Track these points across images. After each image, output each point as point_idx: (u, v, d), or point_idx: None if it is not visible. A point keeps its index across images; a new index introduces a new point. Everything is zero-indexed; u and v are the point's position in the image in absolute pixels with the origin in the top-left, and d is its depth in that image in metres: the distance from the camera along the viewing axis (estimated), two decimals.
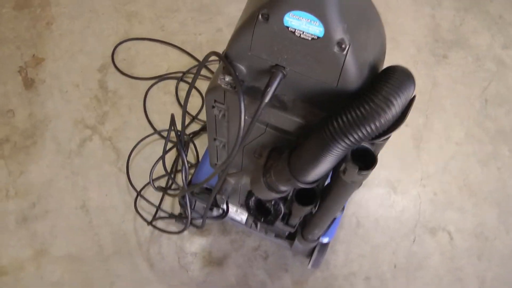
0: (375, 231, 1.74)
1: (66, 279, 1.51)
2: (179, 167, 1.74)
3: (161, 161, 1.51)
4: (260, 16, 0.68)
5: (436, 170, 1.92)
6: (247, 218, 1.52)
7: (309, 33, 0.67)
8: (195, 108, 1.88)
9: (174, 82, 1.95)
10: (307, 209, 1.07)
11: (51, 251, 1.55)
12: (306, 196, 1.04)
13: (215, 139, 1.08)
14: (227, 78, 0.78)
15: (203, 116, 1.87)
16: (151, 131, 1.81)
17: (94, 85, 1.90)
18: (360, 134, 0.68)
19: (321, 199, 1.04)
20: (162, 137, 1.80)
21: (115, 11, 2.11)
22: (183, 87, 1.94)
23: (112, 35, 2.04)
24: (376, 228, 1.75)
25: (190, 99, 1.92)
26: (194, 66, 1.99)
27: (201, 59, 2.01)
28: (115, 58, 1.97)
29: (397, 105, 0.68)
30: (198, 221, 1.47)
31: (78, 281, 1.52)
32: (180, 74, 1.96)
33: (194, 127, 1.85)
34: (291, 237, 1.56)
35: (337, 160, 0.76)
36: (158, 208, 1.64)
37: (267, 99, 0.74)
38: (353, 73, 0.70)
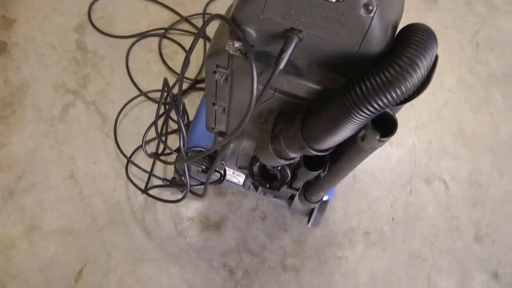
0: (372, 184, 1.72)
1: (61, 253, 1.46)
2: (169, 129, 1.67)
3: (152, 127, 1.44)
4: None
5: (429, 118, 1.89)
6: (244, 180, 1.48)
7: None
8: (179, 66, 1.79)
9: (156, 39, 1.85)
10: (315, 174, 1.03)
11: (42, 226, 1.49)
12: (314, 160, 0.99)
13: (214, 104, 1.02)
14: (236, 44, 0.70)
15: (189, 74, 1.79)
16: (136, 92, 1.72)
17: (71, 46, 1.78)
18: (385, 100, 0.63)
19: (331, 163, 0.99)
20: (149, 98, 1.72)
21: None
22: (167, 44, 1.85)
23: None
24: (373, 182, 1.73)
25: (175, 56, 1.83)
26: (177, 21, 1.89)
27: (183, 13, 1.91)
28: (92, 16, 1.85)
29: (423, 66, 0.63)
30: (195, 187, 1.42)
31: (73, 255, 1.47)
32: (163, 31, 1.85)
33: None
34: (290, 197, 1.54)
35: (357, 128, 0.72)
36: (151, 174, 1.58)
37: (281, 65, 0.67)
38: (377, 36, 0.64)
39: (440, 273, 1.62)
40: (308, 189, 1.22)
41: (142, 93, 1.71)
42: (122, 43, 1.81)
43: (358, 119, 0.67)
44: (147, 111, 1.70)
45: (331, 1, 0.61)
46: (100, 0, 1.89)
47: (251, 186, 1.47)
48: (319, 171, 1.01)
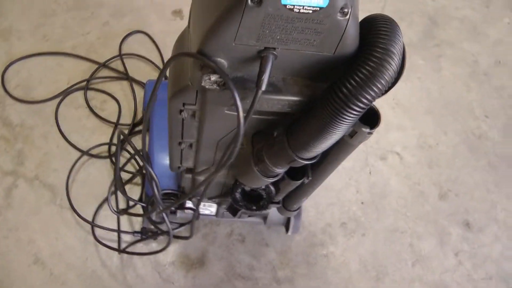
0: (334, 176, 1.74)
1: None
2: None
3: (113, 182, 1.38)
4: (249, 1, 0.59)
5: None
6: (217, 209, 1.45)
7: (311, 6, 0.59)
8: (112, 114, 1.74)
9: (81, 93, 1.77)
10: (299, 182, 1.03)
11: None
12: (295, 168, 0.99)
13: (180, 143, 0.99)
14: (213, 77, 0.68)
15: (124, 119, 1.73)
16: (77, 154, 1.64)
17: None
18: (372, 93, 0.65)
19: (314, 166, 1.00)
20: (92, 156, 1.65)
21: None
22: (92, 95, 1.78)
23: None
24: (333, 174, 1.75)
25: (104, 105, 1.76)
26: (96, 69, 1.82)
27: (99, 59, 1.84)
28: (7, 87, 1.74)
29: (397, 53, 0.65)
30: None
31: None
32: (85, 83, 1.78)
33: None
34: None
35: (349, 128, 0.73)
36: (120, 232, 1.52)
37: (263, 87, 0.66)
38: (352, 36, 0.65)
39: (420, 239, 1.68)
40: (288, 199, 1.22)
41: (83, 152, 1.63)
42: (47, 106, 1.73)
43: (349, 118, 0.68)
44: (94, 170, 1.63)
45: (308, 13, 0.60)
46: (10, 67, 1.78)
47: (225, 213, 1.45)
48: (303, 179, 1.01)
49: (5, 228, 1.50)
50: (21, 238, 1.50)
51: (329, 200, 1.70)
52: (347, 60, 0.68)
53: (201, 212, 1.46)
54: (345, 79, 0.66)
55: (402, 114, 1.93)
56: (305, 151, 0.79)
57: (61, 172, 1.61)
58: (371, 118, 0.78)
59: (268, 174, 0.91)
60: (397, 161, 1.83)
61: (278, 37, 0.64)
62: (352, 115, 0.68)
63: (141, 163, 1.61)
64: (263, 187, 1.08)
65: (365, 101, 0.65)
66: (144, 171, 1.56)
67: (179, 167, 1.14)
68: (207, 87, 0.69)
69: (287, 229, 1.55)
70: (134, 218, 1.57)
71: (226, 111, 0.82)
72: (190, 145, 1.01)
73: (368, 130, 0.77)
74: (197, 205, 1.03)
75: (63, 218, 1.54)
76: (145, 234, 1.49)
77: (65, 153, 1.65)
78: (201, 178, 1.16)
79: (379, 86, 0.64)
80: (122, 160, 1.63)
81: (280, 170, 0.90)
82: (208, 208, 1.45)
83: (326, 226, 1.65)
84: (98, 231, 1.52)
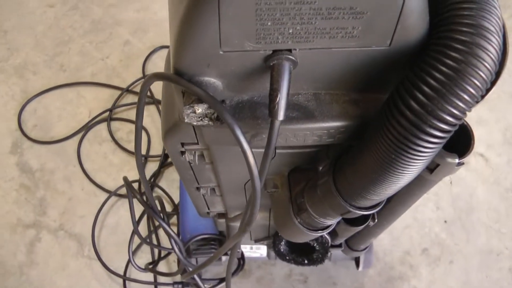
0: None
1: None
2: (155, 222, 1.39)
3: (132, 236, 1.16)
4: None
5: None
6: (268, 252, 1.20)
7: None
8: (141, 146, 1.52)
9: (104, 125, 1.56)
10: (360, 228, 0.75)
11: None
12: None
13: (198, 188, 0.75)
14: (199, 109, 0.43)
15: (155, 150, 1.51)
16: (105, 195, 1.43)
17: (14, 172, 1.49)
18: (462, 103, 0.39)
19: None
20: (122, 196, 1.44)
21: None
22: (117, 126, 1.57)
23: (9, 101, 1.62)
24: None
25: (131, 136, 1.55)
26: (119, 97, 1.61)
27: (122, 85, 1.63)
28: (24, 128, 1.56)
29: (495, 30, 0.38)
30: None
31: None
32: (107, 113, 1.58)
33: (151, 167, 1.49)
34: None
35: (427, 163, 0.45)
36: (157, 284, 1.29)
37: (280, 115, 0.41)
38: (417, 12, 0.39)
39: None
40: (352, 239, 0.96)
41: (111, 193, 1.42)
42: (68, 145, 1.53)
43: (426, 150, 0.41)
44: (124, 212, 1.42)
45: None
46: (26, 107, 1.60)
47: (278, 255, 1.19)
48: (366, 223, 0.74)
49: None
50: None
51: (404, 221, 1.40)
52: (412, 53, 0.42)
53: (249, 256, 1.21)
54: (413, 86, 0.39)
55: (481, 105, 1.60)
56: (361, 198, 0.52)
57: (87, 218, 1.40)
58: (458, 139, 0.50)
59: (315, 227, 0.65)
60: (482, 164, 1.50)
61: (290, 31, 0.38)
62: (430, 146, 0.41)
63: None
64: None
65: (450, 118, 0.39)
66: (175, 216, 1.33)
67: (208, 213, 0.90)
68: (194, 123, 0.44)
69: (357, 264, 1.27)
70: (174, 263, 1.34)
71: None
72: (213, 189, 0.77)
73: (456, 160, 0.51)
74: (228, 268, 0.77)
75: (93, 271, 1.33)
76: (186, 286, 1.25)
77: (92, 196, 1.44)
78: (236, 224, 0.91)
79: (471, 90, 0.38)
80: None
81: (331, 222, 0.63)
82: (257, 251, 1.21)
83: (404, 254, 1.35)
84: (133, 285, 1.30)
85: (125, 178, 0.85)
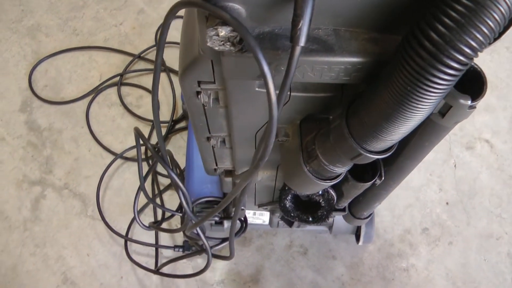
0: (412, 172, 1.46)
1: None
2: (160, 186, 1.40)
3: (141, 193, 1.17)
4: None
5: None
6: (270, 218, 1.21)
7: None
8: (150, 111, 1.53)
9: (114, 90, 1.58)
10: (368, 185, 0.76)
11: None
12: (362, 166, 0.72)
13: (208, 138, 0.75)
14: (222, 31, 0.43)
15: (163, 116, 1.52)
16: (111, 157, 1.45)
17: (22, 130, 1.50)
18: (480, 36, 0.39)
19: (387, 162, 0.73)
20: (127, 159, 1.45)
21: (12, 32, 1.70)
22: (127, 91, 1.58)
23: (21, 61, 1.64)
24: None
25: (141, 101, 1.56)
26: (131, 63, 1.62)
27: (134, 51, 1.64)
28: (34, 87, 1.57)
29: None
30: (216, 248, 1.15)
31: None
32: (118, 78, 1.58)
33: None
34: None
35: (439, 100, 0.46)
36: (158, 246, 1.31)
37: (302, 41, 0.42)
38: None
39: None
40: (356, 204, 0.96)
41: (117, 155, 1.43)
42: (77, 106, 1.54)
43: (440, 85, 0.42)
44: (130, 175, 1.43)
45: None
46: (37, 67, 1.61)
47: (280, 223, 1.20)
48: (374, 180, 0.74)
49: (32, 244, 1.33)
50: (49, 254, 1.32)
51: (406, 201, 1.41)
52: None
53: (251, 222, 1.22)
54: (434, 18, 0.40)
55: (489, 93, 1.59)
56: (374, 140, 0.53)
57: (92, 179, 1.42)
58: (470, 84, 0.52)
59: (324, 176, 0.66)
60: (487, 150, 1.51)
61: None
62: (445, 78, 0.42)
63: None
64: (320, 192, 0.82)
65: (468, 51, 0.39)
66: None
67: (215, 169, 0.90)
68: (216, 48, 0.45)
69: (357, 238, 1.28)
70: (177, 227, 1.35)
71: (257, 89, 0.57)
72: (223, 141, 0.77)
73: (469, 102, 0.51)
74: (234, 219, 0.78)
75: (96, 231, 1.35)
76: (187, 249, 1.27)
77: (98, 158, 1.46)
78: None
79: (490, 23, 0.38)
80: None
81: (341, 170, 0.64)
82: (260, 217, 1.21)
83: (404, 233, 1.36)
84: (134, 246, 1.32)
85: (136, 128, 0.86)
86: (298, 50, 0.42)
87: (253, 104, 0.61)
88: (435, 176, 1.45)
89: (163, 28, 0.51)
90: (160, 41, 0.53)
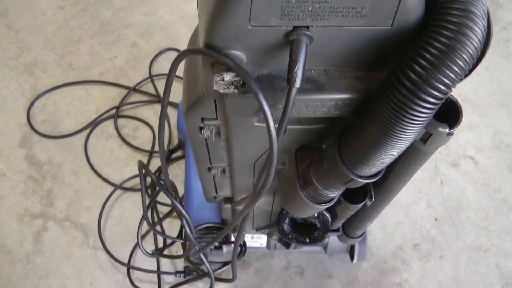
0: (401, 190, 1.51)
1: None
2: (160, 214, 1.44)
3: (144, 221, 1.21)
4: None
5: None
6: (268, 241, 1.26)
7: None
8: (146, 142, 1.58)
9: (111, 121, 1.63)
10: (360, 206, 0.82)
11: None
12: (354, 189, 0.78)
13: (210, 169, 0.81)
14: (227, 76, 0.49)
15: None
16: (110, 188, 1.49)
17: (22, 165, 1.55)
18: (452, 74, 0.45)
19: (376, 184, 0.79)
20: (126, 189, 1.49)
21: (10, 69, 1.75)
22: (124, 123, 1.63)
23: (19, 97, 1.69)
24: None
25: (137, 133, 1.61)
26: (126, 95, 1.68)
27: (129, 84, 1.70)
28: (33, 123, 1.62)
29: (480, 13, 0.45)
30: (218, 272, 1.19)
31: None
32: (114, 110, 1.64)
33: (155, 162, 1.55)
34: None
35: (421, 129, 0.52)
36: (160, 273, 1.35)
37: (297, 83, 0.48)
38: None
39: (508, 258, 1.42)
40: (349, 224, 1.01)
41: (117, 186, 1.48)
42: (76, 140, 1.59)
43: (421, 116, 0.48)
44: (129, 204, 1.47)
45: None
46: (35, 103, 1.66)
47: (277, 245, 1.25)
48: (365, 201, 0.80)
49: (35, 276, 1.36)
50: (53, 286, 1.35)
51: (397, 218, 1.47)
52: (411, 33, 0.49)
53: (249, 246, 1.27)
54: (411, 60, 0.46)
55: (471, 111, 1.68)
56: (363, 166, 0.59)
57: (93, 210, 1.46)
58: (448, 113, 0.58)
59: (318, 200, 0.71)
60: (472, 166, 1.58)
61: (310, 9, 0.45)
62: (424, 111, 0.48)
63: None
64: (316, 215, 0.88)
65: (442, 87, 0.46)
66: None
67: (215, 197, 0.96)
68: (221, 91, 0.51)
69: (352, 257, 1.33)
70: (177, 254, 1.39)
71: (256, 123, 0.63)
72: (223, 170, 0.83)
73: (447, 130, 0.57)
74: (236, 242, 0.83)
75: (98, 260, 1.39)
76: (188, 274, 1.31)
77: (98, 189, 1.50)
78: (241, 208, 0.97)
79: (460, 63, 0.45)
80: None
81: (334, 194, 0.70)
82: (257, 240, 1.26)
83: (396, 249, 1.42)
84: (136, 273, 1.35)
85: (140, 161, 0.91)
86: (294, 91, 0.48)
87: (252, 137, 0.67)
88: (423, 193, 1.52)
89: (170, 73, 0.56)
90: (167, 85, 0.59)
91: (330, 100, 0.56)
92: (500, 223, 1.47)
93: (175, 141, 1.59)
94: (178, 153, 1.57)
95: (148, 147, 1.58)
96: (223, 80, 0.49)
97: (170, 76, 0.57)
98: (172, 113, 1.63)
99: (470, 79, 1.75)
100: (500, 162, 1.59)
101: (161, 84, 1.70)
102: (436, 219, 1.47)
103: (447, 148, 1.59)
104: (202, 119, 0.64)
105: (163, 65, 1.76)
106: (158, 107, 1.65)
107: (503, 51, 1.83)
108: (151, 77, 1.72)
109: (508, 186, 1.54)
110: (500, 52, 1.83)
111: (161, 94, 1.61)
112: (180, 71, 0.64)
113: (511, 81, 1.76)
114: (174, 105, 1.62)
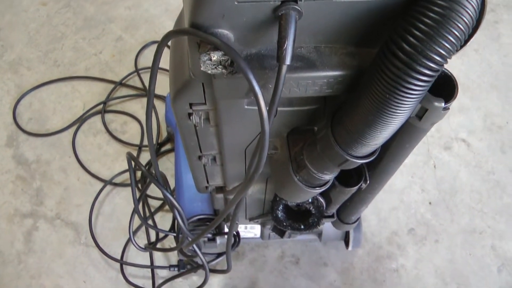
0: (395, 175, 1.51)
1: None
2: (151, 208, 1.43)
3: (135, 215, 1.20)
4: None
5: None
6: (262, 230, 1.24)
7: None
8: (135, 136, 1.56)
9: (98, 117, 1.60)
10: (354, 189, 0.80)
11: None
12: (347, 172, 0.76)
13: (200, 157, 0.79)
14: (214, 56, 0.47)
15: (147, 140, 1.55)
16: (100, 184, 1.47)
17: (10, 164, 1.52)
18: (448, 44, 0.43)
19: (371, 166, 0.77)
20: (116, 184, 1.47)
21: None
22: (111, 118, 1.61)
23: (4, 96, 1.65)
24: None
25: (125, 127, 1.59)
26: (113, 90, 1.65)
27: (115, 78, 1.68)
28: (19, 121, 1.59)
29: None
30: (212, 263, 1.18)
31: None
32: (101, 106, 1.61)
33: (145, 156, 1.53)
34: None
35: (416, 104, 0.51)
36: (153, 267, 1.33)
37: (287, 60, 0.46)
38: None
39: (503, 239, 1.41)
40: (344, 210, 1.00)
41: (106, 182, 1.46)
42: (63, 137, 1.57)
43: (416, 90, 0.47)
44: (120, 200, 1.45)
45: None
46: (21, 101, 1.63)
47: (272, 234, 1.23)
48: (360, 184, 0.79)
49: (27, 276, 1.34)
50: (46, 285, 1.33)
51: (391, 203, 1.46)
52: (403, 3, 0.47)
53: (243, 236, 1.25)
54: (405, 31, 0.45)
55: (462, 94, 1.67)
56: (358, 145, 0.57)
57: (84, 207, 1.44)
58: (443, 88, 0.57)
59: (313, 184, 0.70)
60: (464, 149, 1.57)
61: None
62: (419, 84, 0.46)
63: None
64: (310, 200, 0.86)
65: (438, 58, 0.44)
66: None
67: (206, 187, 0.94)
68: (209, 71, 0.49)
69: (346, 244, 1.32)
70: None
71: (246, 106, 0.61)
72: (214, 158, 0.81)
73: (443, 104, 0.56)
74: (230, 232, 0.82)
75: (90, 257, 1.37)
76: (182, 268, 1.29)
77: (87, 186, 1.48)
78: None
79: (456, 33, 0.43)
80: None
81: (328, 176, 0.68)
82: (251, 231, 1.25)
83: (392, 235, 1.41)
84: (130, 269, 1.34)
85: (129, 153, 0.89)
86: (284, 68, 0.46)
87: (242, 121, 0.65)
88: (417, 177, 1.51)
89: (156, 56, 0.54)
90: (153, 69, 0.57)
91: (322, 78, 0.54)
92: (494, 205, 1.47)
93: (164, 134, 1.57)
94: (167, 146, 1.55)
95: (137, 142, 1.55)
96: (210, 60, 0.48)
97: (156, 61, 0.55)
98: (159, 106, 1.61)
99: (460, 62, 1.74)
100: (492, 144, 1.58)
101: (147, 78, 1.66)
102: (430, 203, 1.46)
103: (439, 131, 1.59)
104: (191, 105, 0.62)
105: (149, 58, 1.74)
106: (145, 100, 1.63)
107: (492, 33, 1.83)
108: (137, 70, 1.69)
109: (500, 167, 1.54)
110: (489, 34, 1.82)
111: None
112: (165, 63, 0.62)
113: (500, 62, 1.75)
114: (162, 97, 1.60)
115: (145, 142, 1.55)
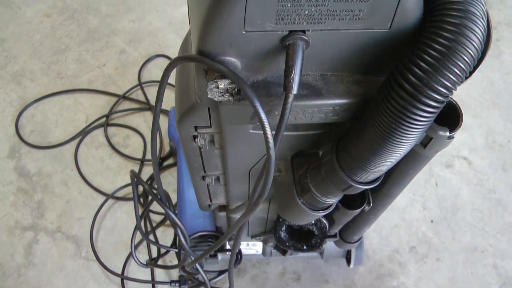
0: None
1: None
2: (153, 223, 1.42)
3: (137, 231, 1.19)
4: None
5: None
6: (263, 248, 1.24)
7: None
8: (137, 150, 1.56)
9: (101, 130, 1.60)
10: (357, 212, 0.80)
11: None
12: (351, 195, 0.76)
13: (204, 177, 0.79)
14: (221, 84, 0.48)
15: (150, 154, 1.55)
16: (102, 198, 1.47)
17: (12, 176, 1.52)
18: (453, 76, 0.44)
19: (374, 189, 0.77)
20: (118, 199, 1.47)
21: None
22: (114, 131, 1.61)
23: (7, 107, 1.66)
24: None
25: (128, 141, 1.59)
26: (116, 103, 1.65)
27: (118, 92, 1.68)
28: (21, 133, 1.59)
29: (480, 13, 0.44)
30: (214, 281, 1.17)
31: None
32: (104, 119, 1.62)
33: (147, 171, 1.53)
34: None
35: (422, 133, 0.51)
36: (154, 283, 1.32)
37: (294, 89, 0.46)
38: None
39: (505, 258, 1.41)
40: (346, 230, 1.00)
41: (108, 196, 1.46)
42: (65, 150, 1.57)
43: (421, 120, 0.47)
44: (122, 214, 1.45)
45: None
46: (24, 113, 1.64)
47: (273, 251, 1.23)
48: (363, 207, 0.79)
49: None
50: None
51: (392, 222, 1.46)
52: (410, 35, 0.47)
53: (245, 253, 1.25)
54: (411, 62, 0.45)
55: (463, 112, 1.66)
56: (363, 172, 0.58)
57: (85, 220, 1.43)
58: (448, 116, 0.57)
59: (317, 207, 0.70)
60: (466, 167, 1.57)
61: (306, 12, 0.44)
62: (425, 115, 0.47)
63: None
64: (313, 221, 0.86)
65: (443, 90, 0.45)
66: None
67: (209, 205, 0.94)
68: (216, 99, 0.49)
69: (348, 261, 1.32)
70: (171, 263, 1.37)
71: (251, 131, 0.61)
72: (218, 179, 0.81)
73: (447, 133, 0.56)
74: (232, 251, 0.81)
75: (91, 271, 1.36)
76: (184, 283, 1.29)
77: (89, 199, 1.48)
78: (236, 216, 0.95)
79: (461, 65, 0.43)
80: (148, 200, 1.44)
81: (332, 200, 0.69)
82: (253, 248, 1.25)
83: (393, 252, 1.41)
84: (130, 284, 1.33)
85: (132, 171, 0.89)
86: (291, 97, 0.47)
87: (247, 144, 0.65)
88: (418, 195, 1.51)
89: (162, 81, 0.54)
90: (159, 93, 0.57)
91: (328, 106, 0.54)
92: (495, 223, 1.47)
93: (167, 148, 1.57)
94: (170, 161, 1.55)
95: (139, 155, 1.56)
96: (217, 87, 0.48)
97: (162, 84, 0.55)
98: (162, 120, 1.61)
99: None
100: (494, 162, 1.58)
101: (150, 91, 1.68)
102: (431, 221, 1.46)
103: None
104: (196, 128, 0.63)
105: (152, 71, 1.74)
106: (148, 114, 1.63)
107: (494, 51, 1.83)
108: (140, 84, 1.70)
109: (502, 186, 1.54)
110: (491, 52, 1.82)
111: (151, 101, 1.60)
112: (172, 78, 0.63)
113: (502, 80, 1.76)
114: (165, 112, 1.61)
115: (148, 156, 1.55)
